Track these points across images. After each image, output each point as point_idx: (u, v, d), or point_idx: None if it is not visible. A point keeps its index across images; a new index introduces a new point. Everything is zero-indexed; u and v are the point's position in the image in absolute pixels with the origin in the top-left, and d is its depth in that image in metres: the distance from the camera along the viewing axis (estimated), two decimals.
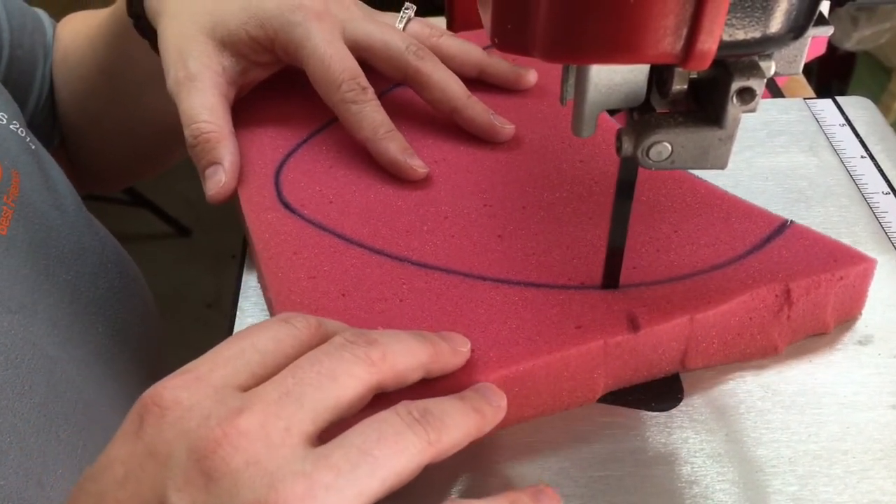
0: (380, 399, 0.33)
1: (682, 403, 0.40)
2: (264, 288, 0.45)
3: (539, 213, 0.46)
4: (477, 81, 0.54)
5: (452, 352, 0.36)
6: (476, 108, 0.50)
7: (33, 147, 0.53)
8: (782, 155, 0.54)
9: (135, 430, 0.30)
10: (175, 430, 0.29)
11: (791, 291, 0.41)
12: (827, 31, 0.32)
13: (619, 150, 0.34)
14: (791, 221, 0.44)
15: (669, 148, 0.33)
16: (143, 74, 0.60)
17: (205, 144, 0.47)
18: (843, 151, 0.54)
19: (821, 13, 0.31)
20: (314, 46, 0.48)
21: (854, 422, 0.39)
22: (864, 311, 0.44)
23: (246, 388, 0.31)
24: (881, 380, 0.41)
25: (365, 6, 0.53)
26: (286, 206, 0.46)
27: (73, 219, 0.53)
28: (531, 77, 0.53)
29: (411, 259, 0.43)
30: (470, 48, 0.53)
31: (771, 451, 0.38)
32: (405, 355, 0.33)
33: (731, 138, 0.33)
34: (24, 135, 0.53)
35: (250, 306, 0.47)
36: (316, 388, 0.30)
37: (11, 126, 0.52)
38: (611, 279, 0.41)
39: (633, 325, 0.39)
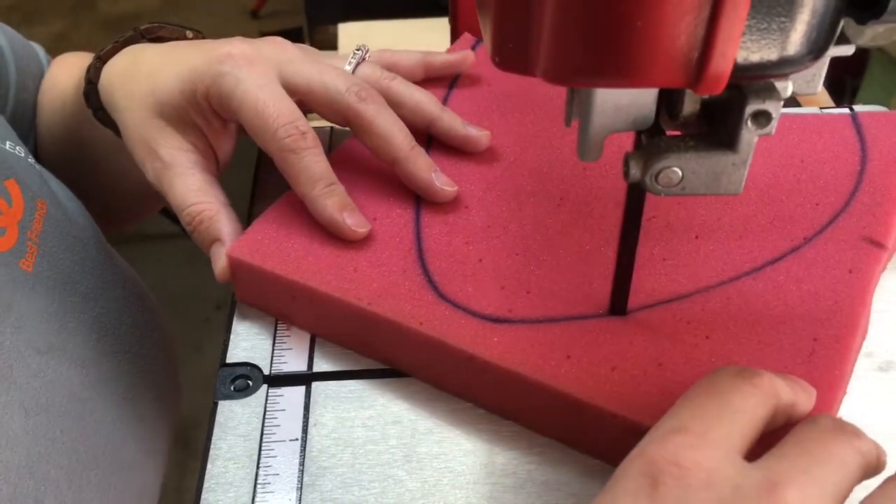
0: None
1: None
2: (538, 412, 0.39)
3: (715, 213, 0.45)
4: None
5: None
6: (419, 162, 0.45)
7: (48, 181, 0.51)
8: None
9: (647, 492, 0.28)
10: (705, 495, 0.28)
11: None
12: (848, 51, 0.30)
13: (626, 174, 0.33)
14: (851, 108, 0.47)
15: (680, 174, 0.32)
16: (105, 147, 0.57)
17: (199, 226, 0.45)
18: None
19: (842, 31, 0.29)
20: (244, 92, 0.43)
21: None
22: (882, 337, 0.42)
23: (742, 452, 0.30)
24: None
25: (309, 48, 0.50)
26: (492, 319, 0.40)
27: (95, 253, 0.51)
28: (483, 141, 0.49)
29: (663, 299, 0.40)
30: (422, 97, 0.49)
31: None
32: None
33: (745, 163, 0.31)
34: (39, 169, 0.51)
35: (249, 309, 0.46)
36: (830, 470, 0.29)
37: (29, 160, 0.50)
38: (619, 306, 0.39)
39: (877, 244, 0.40)
